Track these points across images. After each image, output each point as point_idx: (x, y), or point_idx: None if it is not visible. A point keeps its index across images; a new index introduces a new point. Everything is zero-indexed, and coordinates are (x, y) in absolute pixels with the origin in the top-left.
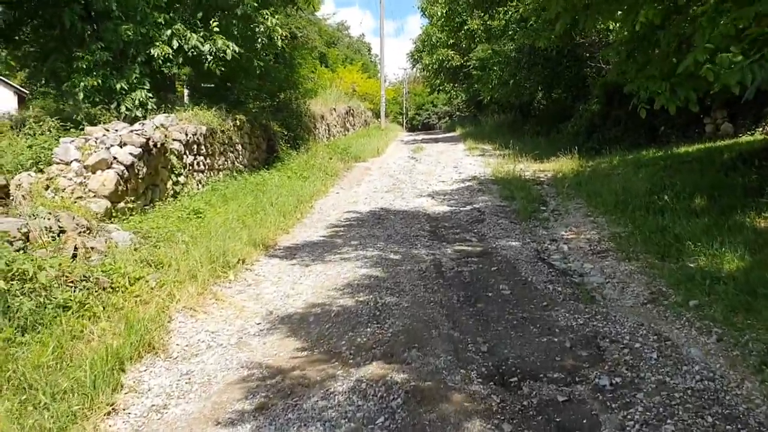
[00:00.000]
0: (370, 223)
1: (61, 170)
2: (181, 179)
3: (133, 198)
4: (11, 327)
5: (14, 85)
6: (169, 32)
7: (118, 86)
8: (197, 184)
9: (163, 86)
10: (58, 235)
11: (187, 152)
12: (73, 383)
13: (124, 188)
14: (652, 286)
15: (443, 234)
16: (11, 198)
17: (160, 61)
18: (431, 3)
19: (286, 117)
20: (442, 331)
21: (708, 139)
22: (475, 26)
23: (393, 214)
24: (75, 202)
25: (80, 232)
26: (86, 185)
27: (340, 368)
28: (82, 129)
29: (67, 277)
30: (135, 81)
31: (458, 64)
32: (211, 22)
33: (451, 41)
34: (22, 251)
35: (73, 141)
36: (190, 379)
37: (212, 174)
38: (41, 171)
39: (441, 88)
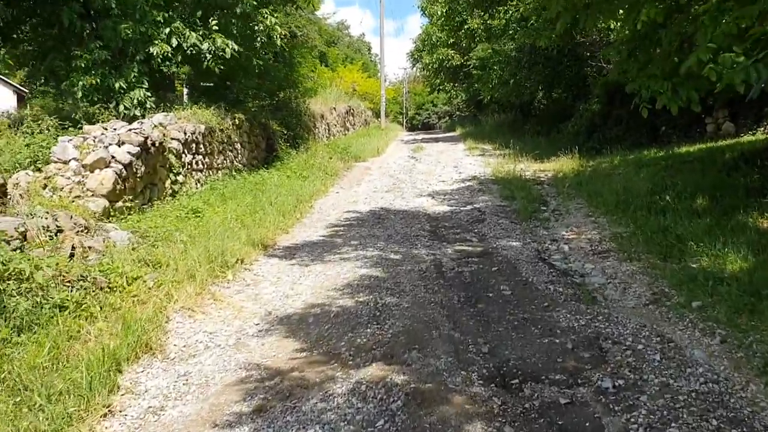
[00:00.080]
0: (370, 223)
1: (59, 169)
2: (180, 178)
3: (131, 197)
4: (7, 327)
5: (13, 83)
6: (168, 30)
7: (116, 85)
8: (196, 184)
9: (161, 85)
10: (56, 235)
11: (186, 151)
12: (69, 384)
13: (122, 187)
14: (654, 286)
15: (443, 234)
16: (9, 197)
17: (159, 60)
18: (431, 2)
19: (285, 116)
20: (442, 332)
21: (709, 139)
22: (476, 25)
23: (393, 213)
24: (73, 201)
25: (78, 232)
26: (84, 184)
27: (339, 370)
28: (81, 128)
29: (64, 276)
30: (134, 80)
31: (458, 63)
32: (210, 20)
33: (451, 40)
34: (19, 251)
35: (71, 140)
36: (187, 380)
37: (211, 173)
38: (39, 170)
39: (441, 87)
